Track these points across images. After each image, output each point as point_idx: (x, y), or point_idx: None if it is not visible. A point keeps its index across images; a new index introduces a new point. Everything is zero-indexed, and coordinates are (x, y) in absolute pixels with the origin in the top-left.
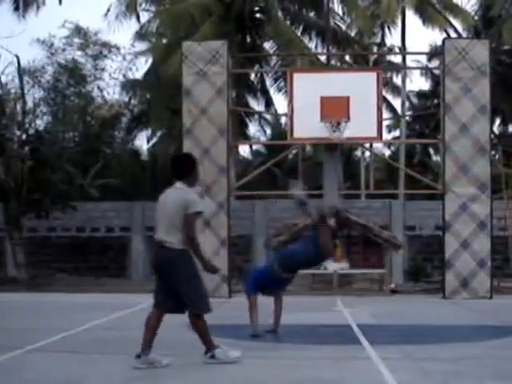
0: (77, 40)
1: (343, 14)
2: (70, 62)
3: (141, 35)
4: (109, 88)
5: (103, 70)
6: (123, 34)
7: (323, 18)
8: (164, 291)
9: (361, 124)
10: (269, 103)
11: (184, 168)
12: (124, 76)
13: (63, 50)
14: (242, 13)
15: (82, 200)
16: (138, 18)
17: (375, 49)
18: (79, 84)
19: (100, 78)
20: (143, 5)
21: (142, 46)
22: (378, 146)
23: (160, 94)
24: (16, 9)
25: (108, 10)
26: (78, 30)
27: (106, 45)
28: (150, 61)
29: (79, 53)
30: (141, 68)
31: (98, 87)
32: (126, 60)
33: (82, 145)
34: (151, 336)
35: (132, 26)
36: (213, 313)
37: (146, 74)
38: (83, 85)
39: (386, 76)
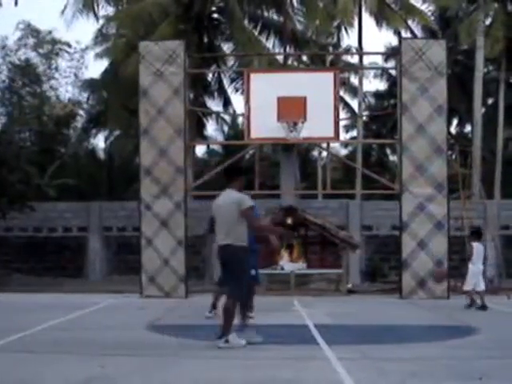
0: (31, 40)
1: (301, 13)
2: (24, 61)
3: (100, 35)
4: (61, 87)
5: (56, 68)
6: (81, 33)
7: (281, 17)
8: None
9: (318, 124)
10: (226, 103)
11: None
12: (75, 75)
13: (17, 50)
14: (199, 13)
15: (40, 200)
16: (95, 15)
17: (332, 49)
18: (34, 83)
19: (53, 77)
20: (101, 5)
21: (99, 45)
22: (335, 146)
23: (117, 94)
24: None
25: (65, 8)
26: (32, 30)
27: (57, 42)
28: (108, 60)
29: (32, 53)
30: (94, 67)
31: (51, 87)
32: (74, 59)
33: (38, 144)
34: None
35: (90, 25)
36: (170, 313)
37: (104, 73)
38: (38, 84)
39: (343, 76)
